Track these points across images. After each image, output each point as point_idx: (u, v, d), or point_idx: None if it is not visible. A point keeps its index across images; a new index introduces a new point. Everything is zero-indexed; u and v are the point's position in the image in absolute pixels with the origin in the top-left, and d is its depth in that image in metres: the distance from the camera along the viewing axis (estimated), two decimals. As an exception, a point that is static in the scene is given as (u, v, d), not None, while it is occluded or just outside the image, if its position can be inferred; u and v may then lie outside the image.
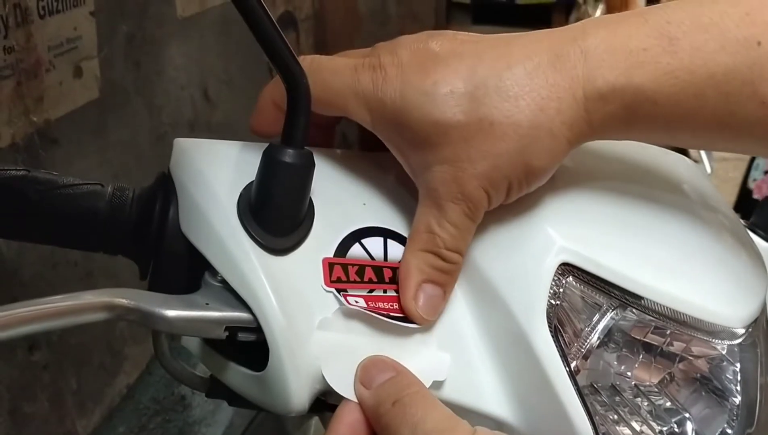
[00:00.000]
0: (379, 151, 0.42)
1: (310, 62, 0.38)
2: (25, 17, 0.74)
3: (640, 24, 0.37)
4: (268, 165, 0.37)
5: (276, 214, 0.37)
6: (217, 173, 0.39)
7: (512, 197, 0.38)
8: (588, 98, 0.36)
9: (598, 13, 2.98)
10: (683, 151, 0.58)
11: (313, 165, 0.38)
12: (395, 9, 2.38)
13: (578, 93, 0.36)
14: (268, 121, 0.41)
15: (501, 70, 0.36)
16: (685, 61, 0.36)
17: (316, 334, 0.36)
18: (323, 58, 0.39)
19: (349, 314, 0.37)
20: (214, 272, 0.38)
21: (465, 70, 0.37)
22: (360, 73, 0.38)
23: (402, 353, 0.38)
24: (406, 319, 0.38)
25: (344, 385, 0.36)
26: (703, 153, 1.46)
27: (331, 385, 0.36)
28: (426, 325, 0.38)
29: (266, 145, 0.38)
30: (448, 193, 0.37)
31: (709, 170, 1.62)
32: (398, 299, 0.39)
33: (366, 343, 0.37)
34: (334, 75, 0.38)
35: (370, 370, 0.36)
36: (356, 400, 0.36)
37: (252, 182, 0.38)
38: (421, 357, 0.38)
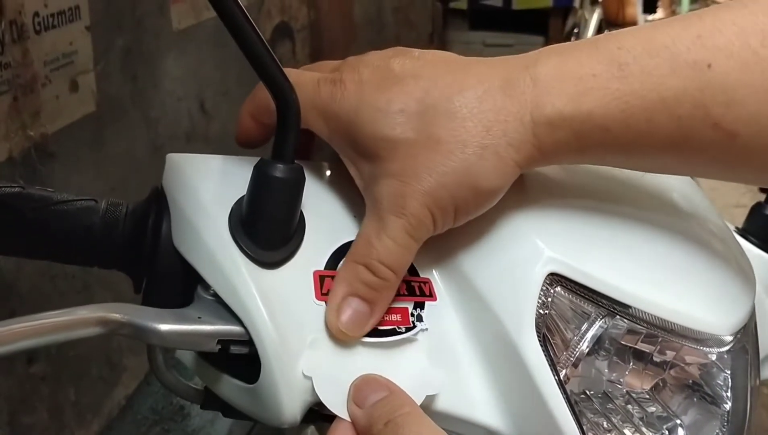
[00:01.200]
0: None
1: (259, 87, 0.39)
2: (21, 33, 0.74)
3: (591, 51, 0.37)
4: (259, 180, 0.37)
5: (267, 228, 0.37)
6: (209, 188, 0.39)
7: (460, 220, 0.38)
8: (536, 123, 0.37)
9: (595, 17, 2.99)
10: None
11: (304, 179, 0.38)
12: (391, 17, 2.39)
13: (526, 118, 0.37)
14: (249, 134, 0.42)
15: (453, 93, 0.37)
16: (635, 85, 0.36)
17: (307, 353, 0.37)
18: (291, 72, 0.40)
19: None
20: (206, 286, 0.38)
21: (419, 91, 0.38)
22: (321, 87, 0.39)
23: (394, 368, 0.38)
24: (394, 331, 0.39)
25: (337, 404, 0.37)
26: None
27: (325, 403, 0.36)
28: (348, 340, 0.38)
29: (258, 159, 0.38)
30: (391, 206, 0.37)
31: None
32: (388, 311, 0.39)
33: (357, 359, 0.38)
34: (297, 88, 0.38)
35: (362, 390, 0.37)
36: (349, 419, 0.36)
37: (243, 196, 0.38)
38: (414, 372, 0.38)
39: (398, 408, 0.35)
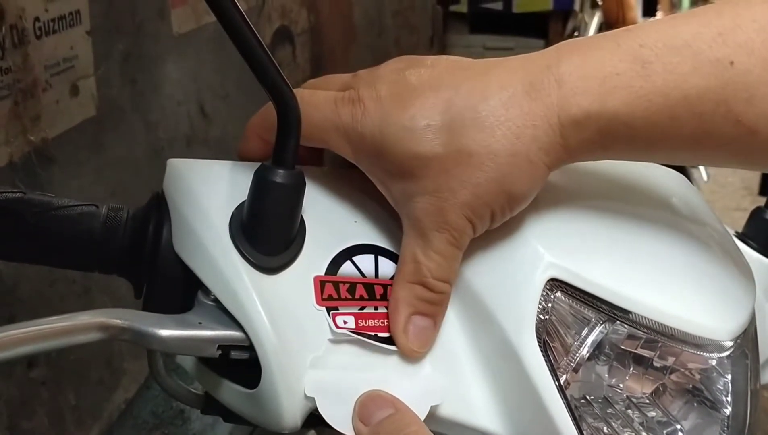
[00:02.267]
0: None
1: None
2: (21, 38, 0.75)
3: (613, 48, 0.37)
4: (259, 185, 0.37)
5: (267, 233, 0.37)
6: (209, 193, 0.39)
7: (497, 223, 0.39)
8: (563, 125, 0.37)
9: (595, 20, 2.99)
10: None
11: (304, 185, 0.38)
12: (392, 20, 2.39)
13: (553, 120, 0.37)
14: (254, 150, 0.42)
15: (477, 102, 0.37)
16: (658, 84, 0.36)
17: (309, 373, 0.36)
18: (304, 93, 0.40)
19: (340, 344, 0.38)
20: (206, 291, 0.38)
21: (442, 103, 0.37)
22: (340, 108, 0.39)
23: (397, 380, 0.38)
24: (392, 339, 0.39)
25: (342, 421, 0.37)
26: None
27: (328, 421, 0.36)
28: (417, 356, 0.38)
29: (258, 164, 0.38)
30: (432, 223, 0.37)
31: (705, 177, 1.62)
32: (389, 316, 0.39)
33: (360, 374, 0.37)
34: (314, 109, 0.38)
35: (368, 406, 0.37)
36: None
37: (244, 202, 0.38)
38: (417, 382, 0.38)
39: (404, 427, 0.35)
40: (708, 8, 0.38)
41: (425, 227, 0.38)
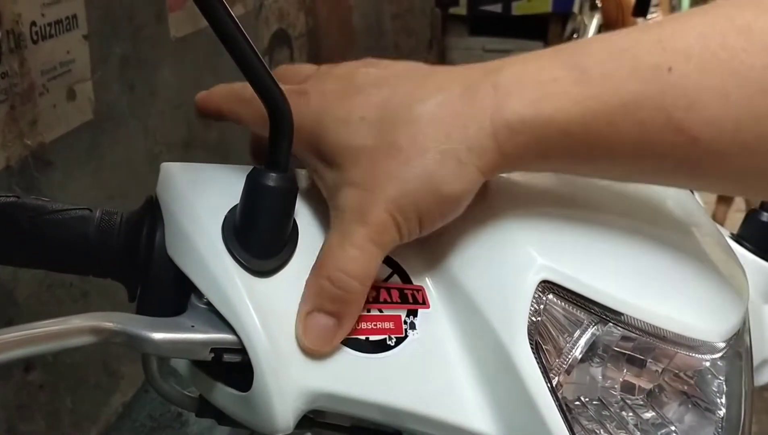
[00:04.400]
0: None
1: (244, 87, 0.39)
2: (18, 42, 0.75)
3: (553, 57, 0.37)
4: (252, 189, 0.38)
5: (260, 236, 0.38)
6: (202, 197, 0.40)
7: (426, 227, 0.38)
8: (496, 128, 0.36)
9: (594, 23, 2.99)
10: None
11: (296, 188, 0.38)
12: (390, 24, 2.40)
13: (485, 123, 0.36)
14: (211, 108, 0.43)
15: (413, 101, 0.37)
16: (595, 89, 0.35)
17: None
18: None
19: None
20: (199, 295, 0.38)
21: (379, 99, 0.38)
22: (288, 99, 0.39)
23: None
24: (384, 342, 0.39)
25: None
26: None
27: None
28: (316, 355, 0.37)
29: (251, 168, 0.38)
30: (354, 215, 0.37)
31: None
32: (381, 319, 0.39)
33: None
34: None
35: None
36: None
37: (236, 205, 0.39)
38: None
39: None
40: (652, 22, 0.38)
41: (346, 220, 0.37)
